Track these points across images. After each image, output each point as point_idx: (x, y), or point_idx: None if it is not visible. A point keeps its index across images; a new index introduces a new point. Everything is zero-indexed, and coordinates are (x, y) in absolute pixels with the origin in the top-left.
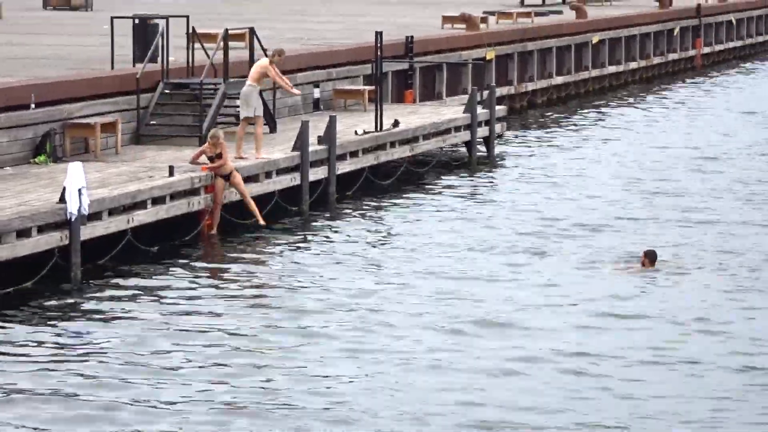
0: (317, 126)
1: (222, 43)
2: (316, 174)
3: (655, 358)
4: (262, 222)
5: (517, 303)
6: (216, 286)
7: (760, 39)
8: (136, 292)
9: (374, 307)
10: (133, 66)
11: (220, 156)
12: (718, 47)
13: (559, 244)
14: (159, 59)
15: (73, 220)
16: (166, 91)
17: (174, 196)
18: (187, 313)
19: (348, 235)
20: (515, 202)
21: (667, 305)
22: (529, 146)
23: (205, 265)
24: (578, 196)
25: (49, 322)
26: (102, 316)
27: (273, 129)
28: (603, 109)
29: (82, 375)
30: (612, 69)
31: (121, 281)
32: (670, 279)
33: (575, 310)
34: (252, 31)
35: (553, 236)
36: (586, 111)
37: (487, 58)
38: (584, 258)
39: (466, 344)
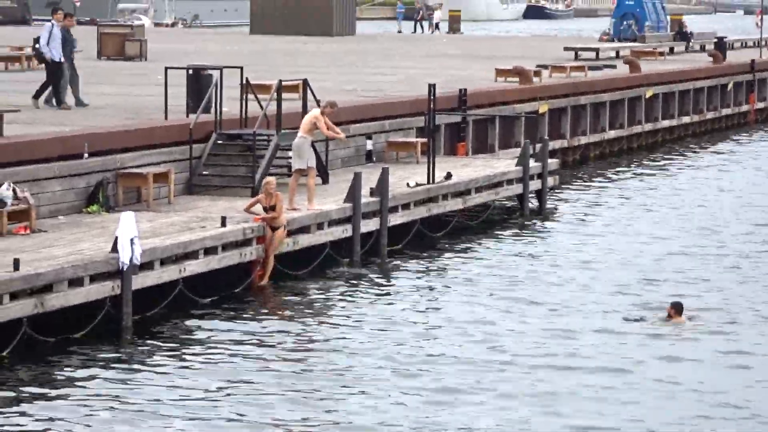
0: (369, 178)
1: (275, 94)
2: (368, 226)
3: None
4: (263, 282)
5: (550, 355)
6: (266, 338)
7: None
8: (187, 342)
9: (426, 360)
10: (187, 116)
11: (274, 208)
12: None
13: (605, 297)
14: (212, 110)
15: (124, 269)
16: (219, 142)
17: (226, 247)
18: (238, 365)
19: (399, 288)
20: (566, 256)
21: (688, 358)
22: (581, 200)
23: (255, 316)
24: (628, 250)
25: (99, 372)
26: (152, 367)
27: (325, 180)
28: (655, 164)
29: (132, 425)
30: (665, 123)
31: (172, 331)
32: (694, 332)
33: (597, 362)
34: (305, 82)
35: (602, 290)
36: (638, 165)
37: (540, 111)
38: (622, 310)
39: (516, 389)
